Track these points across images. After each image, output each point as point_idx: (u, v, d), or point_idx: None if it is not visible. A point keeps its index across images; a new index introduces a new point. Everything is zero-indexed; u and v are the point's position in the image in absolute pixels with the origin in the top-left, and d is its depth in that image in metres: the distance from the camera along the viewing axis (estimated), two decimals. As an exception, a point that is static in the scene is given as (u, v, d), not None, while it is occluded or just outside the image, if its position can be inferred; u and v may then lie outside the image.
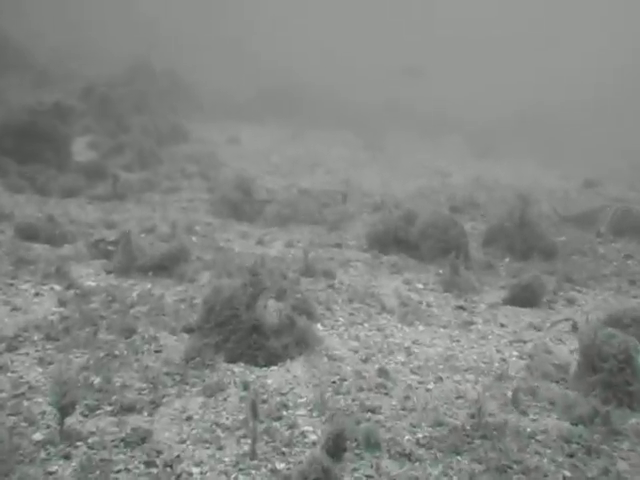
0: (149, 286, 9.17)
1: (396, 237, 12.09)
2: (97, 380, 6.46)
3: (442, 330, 8.71)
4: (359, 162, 24.18)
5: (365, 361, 7.42)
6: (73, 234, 11.50)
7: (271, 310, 7.50)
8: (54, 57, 31.84)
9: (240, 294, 7.31)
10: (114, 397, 6.16)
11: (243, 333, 7.22)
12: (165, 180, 17.16)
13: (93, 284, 9.07)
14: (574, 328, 8.68)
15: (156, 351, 7.25)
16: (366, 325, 8.64)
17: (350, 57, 46.00)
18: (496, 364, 7.70)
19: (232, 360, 7.13)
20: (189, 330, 7.78)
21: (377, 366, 7.28)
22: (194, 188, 17.03)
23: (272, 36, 48.87)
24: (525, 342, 8.32)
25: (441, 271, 10.78)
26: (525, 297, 9.54)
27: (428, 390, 6.76)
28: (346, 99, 37.48)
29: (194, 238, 12.66)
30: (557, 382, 7.00)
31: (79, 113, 18.86)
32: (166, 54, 36.54)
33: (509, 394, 6.58)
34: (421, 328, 8.74)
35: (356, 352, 7.65)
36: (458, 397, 6.60)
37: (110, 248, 10.51)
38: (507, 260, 12.33)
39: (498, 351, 8.10)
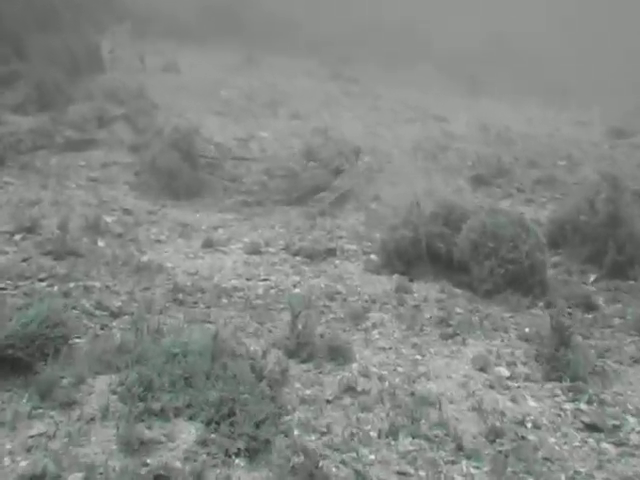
0: (-24, 418, 4.40)
1: (430, 250, 7.50)
2: None
3: (586, 507, 4.29)
4: (331, 99, 19.12)
5: None
6: None
7: None
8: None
9: None
10: None
11: None
12: (70, 130, 11.99)
13: None
14: None
15: None
16: (438, 508, 4.15)
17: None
18: None
19: None
20: None
21: None
22: (113, 144, 11.94)
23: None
24: None
25: (527, 330, 6.26)
26: None
27: None
28: (306, 19, 31.83)
29: (101, 243, 7.88)
30: None
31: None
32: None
33: None
34: (542, 500, 4.31)
35: None
36: None
37: None
38: (593, 279, 7.95)
39: None
